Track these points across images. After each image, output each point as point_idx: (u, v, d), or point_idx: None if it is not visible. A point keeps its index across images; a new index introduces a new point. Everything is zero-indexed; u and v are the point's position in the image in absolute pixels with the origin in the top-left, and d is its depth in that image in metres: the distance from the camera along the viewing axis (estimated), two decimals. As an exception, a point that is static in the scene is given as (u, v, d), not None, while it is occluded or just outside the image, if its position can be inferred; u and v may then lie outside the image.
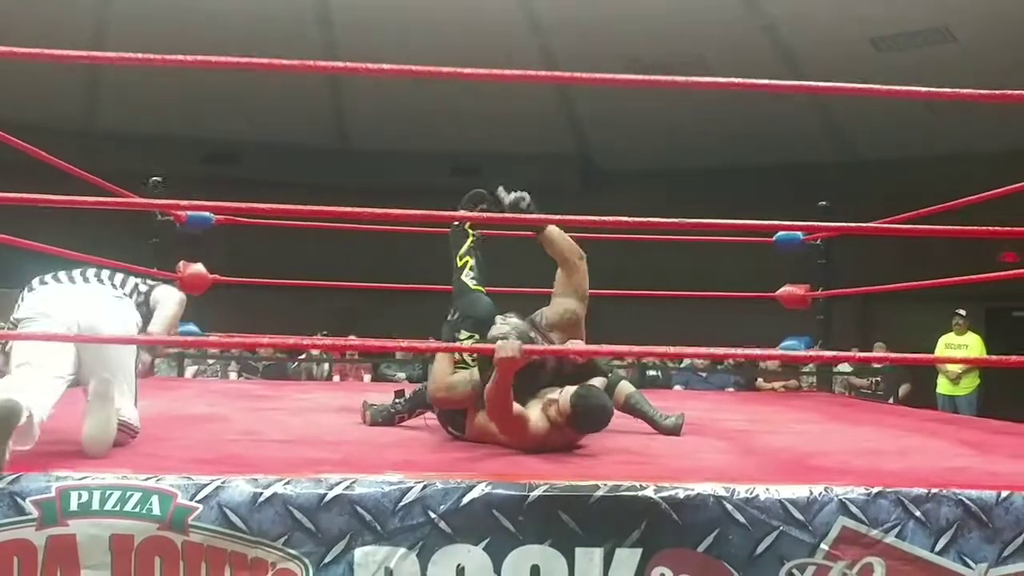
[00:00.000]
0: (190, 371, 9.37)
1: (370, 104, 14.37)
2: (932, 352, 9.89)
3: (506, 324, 3.40)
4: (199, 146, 15.08)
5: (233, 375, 10.10)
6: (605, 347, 3.18)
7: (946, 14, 12.15)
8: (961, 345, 9.91)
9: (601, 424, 3.16)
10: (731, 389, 9.79)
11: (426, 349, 3.50)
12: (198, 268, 6.03)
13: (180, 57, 3.01)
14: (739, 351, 5.25)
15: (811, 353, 6.31)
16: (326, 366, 10.47)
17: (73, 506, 2.39)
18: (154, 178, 5.96)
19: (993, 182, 4.73)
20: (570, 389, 3.14)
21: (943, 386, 9.87)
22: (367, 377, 10.40)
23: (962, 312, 10.04)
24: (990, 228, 3.26)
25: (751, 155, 14.56)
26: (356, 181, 14.70)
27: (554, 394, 3.18)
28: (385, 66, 2.85)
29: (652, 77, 3.19)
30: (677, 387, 9.86)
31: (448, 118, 14.03)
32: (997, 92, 3.12)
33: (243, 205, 3.24)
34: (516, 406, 3.11)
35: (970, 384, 9.75)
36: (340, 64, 3.18)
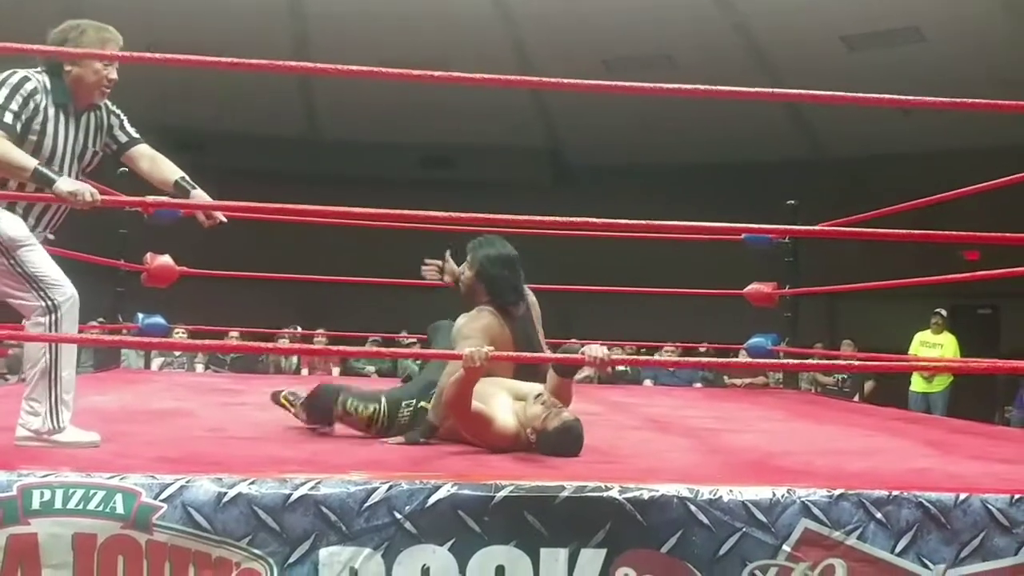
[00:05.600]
0: (156, 363, 9.30)
1: (340, 94, 14.29)
2: (898, 349, 9.99)
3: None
4: (167, 134, 14.85)
5: (200, 367, 10.04)
6: (577, 356, 3.17)
7: (916, 14, 12.27)
8: (936, 344, 10.01)
9: (563, 455, 3.08)
10: (699, 384, 9.86)
11: (391, 354, 3.49)
12: (165, 260, 6.00)
13: (149, 55, 2.99)
14: (705, 360, 5.28)
15: (776, 361, 6.37)
16: (295, 359, 10.42)
17: (35, 504, 2.37)
18: (121, 169, 5.90)
19: (961, 180, 4.79)
20: (564, 415, 3.13)
21: (917, 384, 9.96)
22: (336, 371, 10.37)
23: (943, 312, 10.14)
24: (951, 233, 3.30)
25: (721, 151, 14.63)
26: (326, 171, 14.64)
27: (540, 396, 3.17)
28: (355, 67, 2.84)
29: (625, 84, 3.19)
30: (647, 382, 9.91)
31: (419, 109, 13.99)
32: (962, 100, 3.16)
33: (212, 203, 3.23)
34: (479, 405, 3.12)
35: (944, 381, 9.85)
36: (310, 64, 3.17)
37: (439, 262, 3.92)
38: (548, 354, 3.61)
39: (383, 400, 3.40)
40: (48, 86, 3.05)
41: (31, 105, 3.00)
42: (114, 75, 3.12)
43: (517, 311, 3.65)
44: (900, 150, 13.75)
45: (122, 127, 3.28)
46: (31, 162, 2.91)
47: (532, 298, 3.81)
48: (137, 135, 3.30)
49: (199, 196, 3.26)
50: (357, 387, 3.55)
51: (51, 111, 3.05)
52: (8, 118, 2.95)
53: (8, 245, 2.95)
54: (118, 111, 3.29)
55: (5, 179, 3.00)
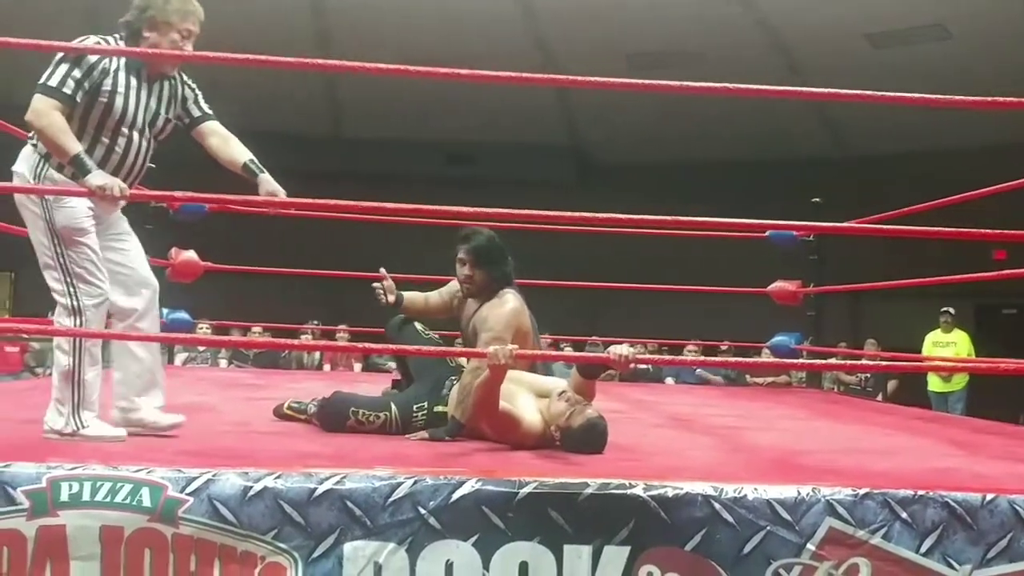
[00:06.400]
0: (180, 358, 9.36)
1: (365, 92, 14.32)
2: (923, 349, 9.93)
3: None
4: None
5: (223, 362, 10.09)
6: (602, 355, 3.16)
7: (941, 11, 12.17)
8: (948, 343, 9.96)
9: (587, 452, 3.08)
10: (720, 379, 9.84)
11: (417, 352, 3.50)
12: (190, 255, 6.03)
13: (176, 52, 3.01)
14: (731, 360, 5.27)
15: (798, 361, 6.33)
16: (317, 355, 10.46)
17: (64, 496, 2.39)
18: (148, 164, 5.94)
19: (987, 178, 4.75)
20: (589, 412, 3.13)
21: (934, 384, 9.90)
22: (358, 366, 10.40)
23: (950, 310, 10.09)
24: (977, 231, 3.28)
25: (746, 149, 14.56)
26: (350, 169, 14.67)
27: (564, 392, 3.18)
28: (381, 65, 2.85)
29: (648, 82, 3.18)
30: (668, 380, 9.89)
31: (442, 107, 13.99)
32: (989, 98, 3.14)
33: (237, 197, 3.25)
34: (506, 405, 3.12)
35: (961, 380, 9.80)
36: (336, 62, 3.18)
37: (380, 285, 3.88)
38: (571, 353, 3.62)
39: (392, 407, 3.42)
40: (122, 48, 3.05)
41: (98, 70, 3.00)
42: (189, 47, 3.11)
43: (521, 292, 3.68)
44: (926, 147, 13.64)
45: (196, 101, 3.28)
46: (74, 148, 2.91)
47: None
48: (210, 111, 3.29)
49: (266, 180, 3.23)
50: (366, 396, 3.56)
51: (122, 75, 3.05)
52: (68, 88, 2.96)
53: (63, 235, 2.99)
54: (193, 85, 3.29)
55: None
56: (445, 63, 3.33)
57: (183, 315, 6.19)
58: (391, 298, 3.86)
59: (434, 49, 11.51)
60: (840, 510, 2.48)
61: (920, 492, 2.52)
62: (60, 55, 3.00)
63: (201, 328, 8.08)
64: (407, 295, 3.95)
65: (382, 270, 3.90)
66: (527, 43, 13.56)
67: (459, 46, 12.66)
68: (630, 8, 12.66)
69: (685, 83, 3.09)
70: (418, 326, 3.67)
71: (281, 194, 3.22)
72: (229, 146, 3.27)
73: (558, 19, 13.15)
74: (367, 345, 3.83)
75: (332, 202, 3.30)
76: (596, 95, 13.78)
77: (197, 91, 3.29)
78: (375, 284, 3.88)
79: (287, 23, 12.86)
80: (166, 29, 3.07)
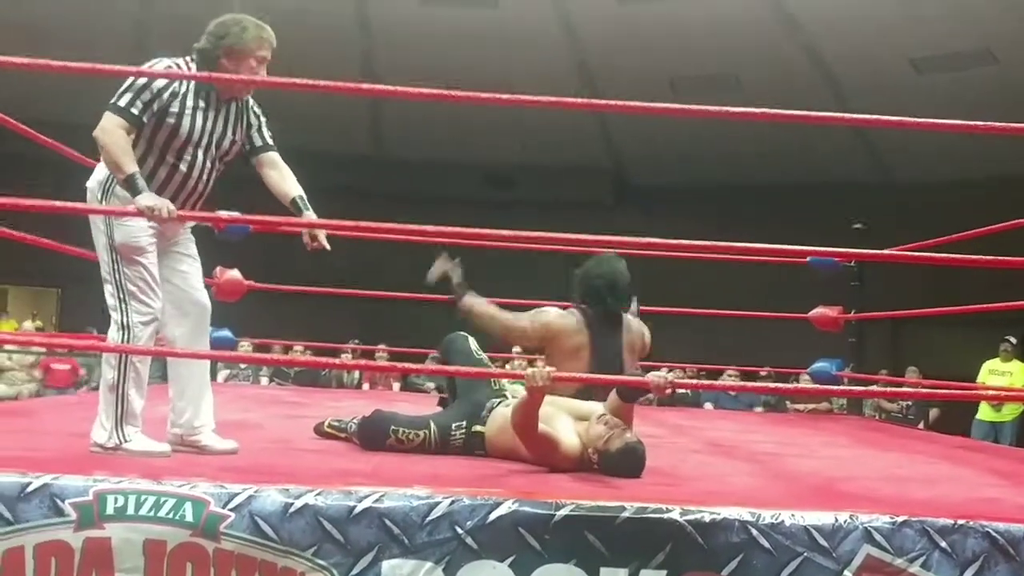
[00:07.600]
0: (222, 375, 9.48)
1: (406, 112, 14.46)
2: (965, 376, 9.78)
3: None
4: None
5: (264, 380, 10.20)
6: (640, 377, 3.17)
7: (987, 36, 12.05)
8: (1005, 372, 9.79)
9: (624, 476, 3.08)
10: (759, 409, 9.76)
11: (455, 372, 3.54)
12: (234, 274, 6.11)
13: (223, 75, 3.06)
14: (771, 385, 5.25)
15: (840, 388, 6.27)
16: (356, 373, 10.53)
17: (110, 510, 2.44)
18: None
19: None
20: (627, 436, 3.14)
21: (985, 413, 9.72)
22: (396, 386, 10.45)
23: (1012, 339, 9.92)
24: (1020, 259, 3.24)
25: (786, 173, 14.48)
26: (389, 189, 14.79)
27: (603, 416, 3.19)
28: (424, 90, 2.89)
29: (691, 107, 3.20)
30: (707, 405, 9.84)
31: (482, 127, 14.08)
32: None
33: (280, 219, 3.30)
34: (545, 428, 3.13)
35: (1014, 411, 9.62)
36: (380, 87, 3.22)
37: None
38: (611, 376, 3.63)
39: (432, 425, 3.47)
40: (194, 72, 3.12)
41: (167, 93, 3.07)
42: (263, 75, 3.16)
43: (607, 321, 3.79)
44: (970, 174, 13.48)
45: (259, 129, 3.32)
46: (130, 168, 2.97)
47: (636, 328, 3.90)
48: (271, 142, 3.34)
49: (309, 218, 3.26)
50: (405, 414, 3.60)
51: (190, 99, 3.10)
52: (136, 109, 3.04)
53: (121, 251, 3.07)
54: (259, 111, 3.33)
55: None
56: (489, 86, 3.37)
57: (226, 333, 6.27)
58: None
59: (478, 74, 11.60)
60: (878, 537, 2.46)
61: (960, 521, 2.49)
62: (132, 77, 3.06)
63: (243, 346, 8.18)
64: None
65: None
66: (570, 66, 13.63)
67: (503, 70, 12.76)
68: (673, 32, 12.68)
69: (724, 108, 3.10)
70: (472, 344, 3.72)
71: (320, 235, 3.25)
72: (284, 179, 3.32)
73: (602, 43, 13.20)
74: (406, 365, 3.87)
75: (372, 224, 3.34)
76: (636, 118, 13.77)
77: (262, 118, 3.33)
78: None
79: (334, 41, 13.01)
80: (242, 57, 3.12)
